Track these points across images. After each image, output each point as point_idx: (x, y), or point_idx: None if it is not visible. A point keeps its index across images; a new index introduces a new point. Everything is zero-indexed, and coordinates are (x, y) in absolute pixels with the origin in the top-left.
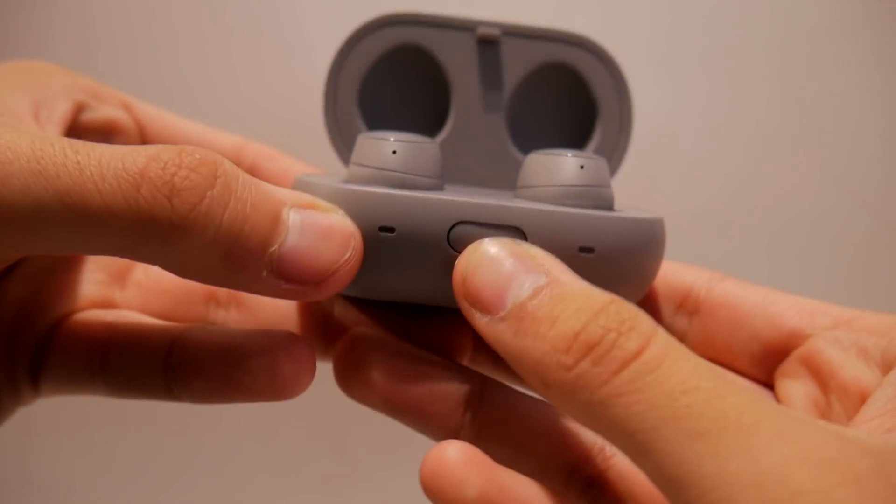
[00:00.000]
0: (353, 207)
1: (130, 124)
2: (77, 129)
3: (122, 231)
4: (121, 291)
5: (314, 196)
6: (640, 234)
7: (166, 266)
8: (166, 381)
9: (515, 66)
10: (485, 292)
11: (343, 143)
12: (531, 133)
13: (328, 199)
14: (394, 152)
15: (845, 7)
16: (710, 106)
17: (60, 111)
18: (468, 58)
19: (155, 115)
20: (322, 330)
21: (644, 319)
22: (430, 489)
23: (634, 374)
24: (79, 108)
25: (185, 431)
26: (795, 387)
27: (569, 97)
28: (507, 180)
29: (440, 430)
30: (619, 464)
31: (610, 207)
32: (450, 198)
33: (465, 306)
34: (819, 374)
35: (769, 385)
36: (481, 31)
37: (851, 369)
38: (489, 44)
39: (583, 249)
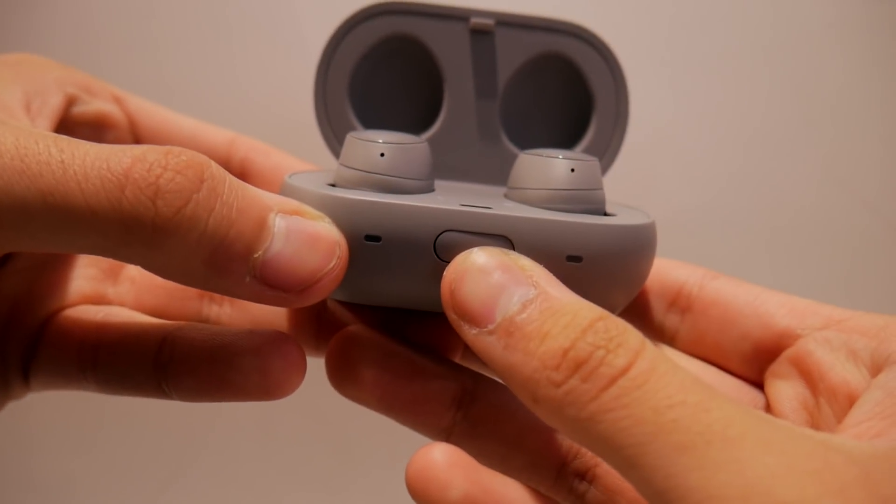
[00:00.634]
0: (338, 215)
1: (122, 118)
2: (68, 122)
3: (104, 232)
4: (114, 287)
5: (301, 202)
6: (629, 241)
7: (149, 268)
8: (157, 378)
9: (510, 57)
10: (473, 305)
11: (334, 136)
12: (525, 125)
13: (314, 205)
14: (382, 154)
15: (845, 7)
16: (710, 105)
17: (52, 104)
18: (461, 48)
19: (146, 109)
20: (314, 326)
21: (632, 335)
22: (415, 491)
23: (622, 390)
24: (70, 102)
25: (185, 431)
26: (785, 387)
27: (564, 89)
28: (500, 173)
29: (434, 427)
30: None
31: (601, 210)
32: (436, 206)
33: (453, 318)
34: (809, 376)
35: (759, 385)
36: (474, 21)
37: (841, 371)
38: (483, 34)
39: (570, 258)
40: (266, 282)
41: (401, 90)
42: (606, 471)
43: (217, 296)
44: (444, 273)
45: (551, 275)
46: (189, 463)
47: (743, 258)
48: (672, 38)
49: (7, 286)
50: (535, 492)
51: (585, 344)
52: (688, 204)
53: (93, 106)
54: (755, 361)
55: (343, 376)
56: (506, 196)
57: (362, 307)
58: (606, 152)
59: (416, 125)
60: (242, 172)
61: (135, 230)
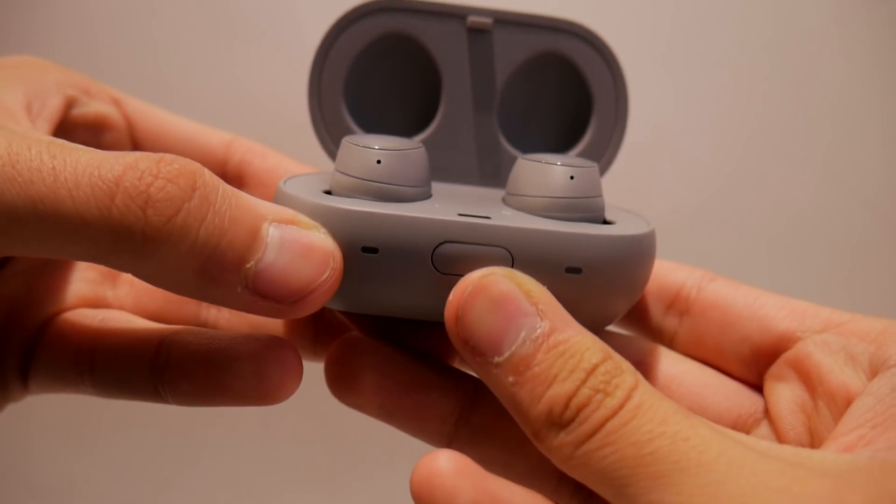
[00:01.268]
0: (334, 226)
1: (120, 120)
2: (68, 124)
3: (94, 240)
4: (113, 290)
5: (296, 211)
6: (629, 252)
7: (140, 276)
8: (153, 382)
9: (508, 56)
10: (480, 336)
11: (329, 137)
12: (523, 126)
13: (310, 215)
14: (378, 161)
15: (845, 7)
16: (710, 104)
17: (51, 106)
18: (458, 47)
19: (144, 110)
20: (312, 330)
21: (628, 375)
22: (420, 500)
23: (610, 429)
24: (70, 104)
25: (185, 431)
26: (784, 390)
27: (563, 88)
28: (497, 175)
29: (435, 434)
30: None
31: (600, 217)
32: (434, 217)
33: (458, 345)
34: (808, 379)
35: (759, 387)
36: (472, 19)
37: (840, 375)
38: (480, 33)
39: (570, 270)
40: (258, 292)
41: (397, 90)
42: None
43: None
44: (450, 298)
45: (556, 301)
46: (189, 463)
47: (742, 258)
48: (672, 37)
49: (6, 289)
50: (541, 497)
51: (587, 389)
52: (687, 204)
53: (91, 107)
54: (754, 364)
55: (343, 385)
56: (503, 201)
57: (360, 315)
58: (605, 152)
59: (413, 125)
60: (239, 174)
61: (124, 239)
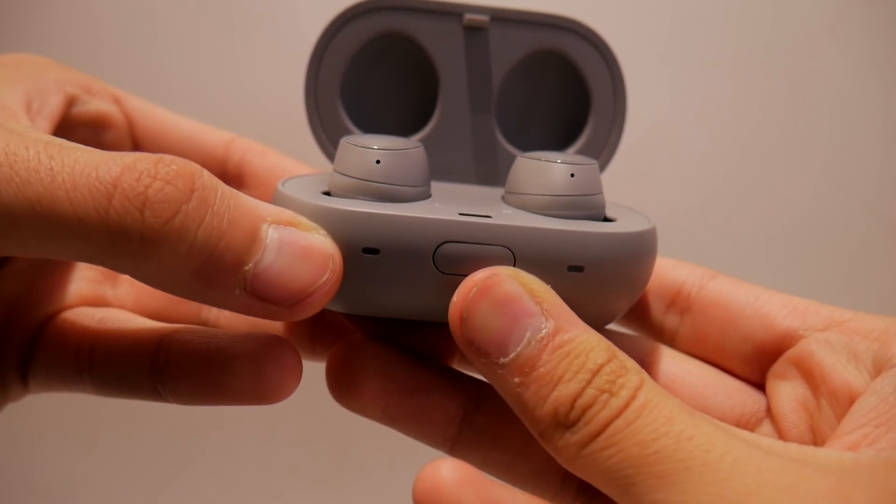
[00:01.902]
0: (334, 227)
1: (120, 118)
2: (68, 122)
3: (92, 242)
4: (113, 289)
5: (295, 212)
6: (631, 249)
7: (138, 277)
8: (153, 381)
9: (505, 54)
10: (485, 338)
11: (326, 137)
12: (521, 124)
13: (309, 216)
14: (377, 161)
15: (845, 7)
16: (709, 103)
17: (52, 105)
18: (455, 46)
19: (145, 109)
20: (311, 330)
21: (633, 374)
22: None
23: (615, 429)
24: (70, 102)
25: (185, 431)
26: (786, 388)
27: (561, 86)
28: (496, 173)
29: (438, 438)
30: None
31: (601, 215)
32: (435, 216)
33: (464, 347)
34: (810, 377)
35: (761, 386)
36: (468, 17)
37: (842, 373)
38: (477, 31)
39: (572, 268)
40: (256, 294)
41: (394, 89)
42: None
43: None
44: (454, 299)
45: (561, 300)
46: (189, 463)
47: (741, 257)
48: (671, 34)
49: (5, 288)
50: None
51: (593, 389)
52: (686, 202)
53: (92, 106)
54: (756, 362)
55: (345, 390)
56: (503, 199)
57: (360, 316)
58: (604, 150)
59: (410, 124)
60: (239, 174)
61: (122, 241)
